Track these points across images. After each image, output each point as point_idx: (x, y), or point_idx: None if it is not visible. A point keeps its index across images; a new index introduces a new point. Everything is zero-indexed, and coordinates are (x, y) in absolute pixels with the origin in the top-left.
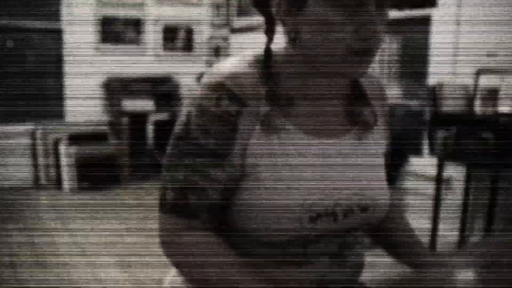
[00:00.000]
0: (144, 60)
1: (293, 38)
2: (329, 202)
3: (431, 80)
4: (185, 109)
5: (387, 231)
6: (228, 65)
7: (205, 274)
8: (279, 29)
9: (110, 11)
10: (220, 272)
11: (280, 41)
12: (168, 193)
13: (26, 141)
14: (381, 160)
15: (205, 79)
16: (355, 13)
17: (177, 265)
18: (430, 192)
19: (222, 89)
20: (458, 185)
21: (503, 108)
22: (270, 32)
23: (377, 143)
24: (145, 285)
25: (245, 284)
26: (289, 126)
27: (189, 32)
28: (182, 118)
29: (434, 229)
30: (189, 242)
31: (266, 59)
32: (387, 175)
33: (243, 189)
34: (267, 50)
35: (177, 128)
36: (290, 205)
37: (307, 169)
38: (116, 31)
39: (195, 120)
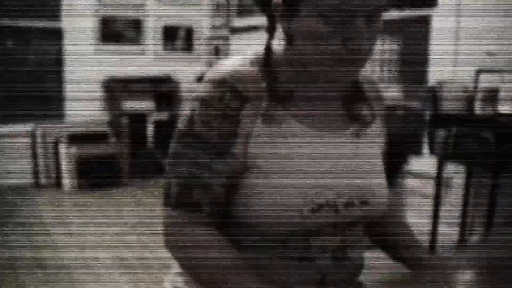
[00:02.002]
0: (144, 60)
1: (288, 40)
2: (330, 194)
3: (431, 80)
4: (187, 105)
5: (386, 232)
6: (230, 63)
7: (207, 270)
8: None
9: (110, 11)
10: (221, 269)
11: (280, 40)
12: (172, 188)
13: (26, 141)
14: (379, 157)
15: (208, 76)
16: (343, 26)
17: (179, 259)
18: (430, 192)
19: (225, 85)
20: (458, 185)
21: (503, 108)
22: (271, 30)
23: (375, 140)
24: (145, 285)
25: (246, 282)
26: (290, 119)
27: (189, 32)
28: (185, 113)
29: (434, 229)
30: (192, 237)
31: (267, 56)
32: (387, 175)
33: (246, 181)
34: (268, 47)
35: (180, 123)
36: (292, 196)
37: (308, 161)
38: (116, 31)
39: (198, 115)
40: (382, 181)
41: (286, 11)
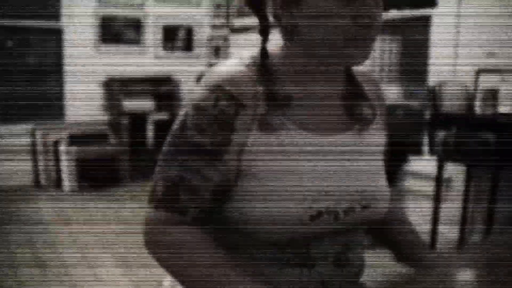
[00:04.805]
0: (144, 60)
1: (289, 35)
2: (329, 200)
3: (431, 80)
4: (183, 108)
5: (389, 231)
6: (225, 67)
7: (189, 270)
8: (274, 29)
9: (110, 11)
10: (205, 269)
11: (276, 41)
12: (158, 188)
13: (26, 141)
14: (380, 158)
15: (203, 81)
16: (351, 2)
17: (159, 259)
18: (430, 192)
19: (220, 91)
20: (458, 185)
21: (503, 108)
22: (264, 32)
23: (376, 140)
24: (145, 285)
25: (232, 282)
26: (288, 124)
27: (189, 32)
28: (180, 116)
29: (434, 229)
30: (174, 236)
31: (263, 59)
32: (387, 175)
33: (241, 188)
34: (263, 50)
35: (175, 125)
36: (290, 203)
37: (307, 167)
38: (116, 31)
39: (192, 119)
40: (383, 183)
41: (289, 1)
